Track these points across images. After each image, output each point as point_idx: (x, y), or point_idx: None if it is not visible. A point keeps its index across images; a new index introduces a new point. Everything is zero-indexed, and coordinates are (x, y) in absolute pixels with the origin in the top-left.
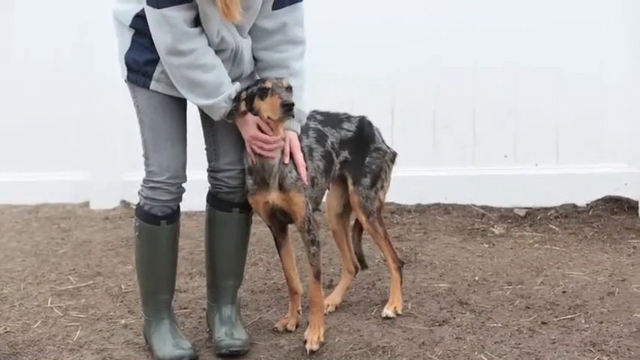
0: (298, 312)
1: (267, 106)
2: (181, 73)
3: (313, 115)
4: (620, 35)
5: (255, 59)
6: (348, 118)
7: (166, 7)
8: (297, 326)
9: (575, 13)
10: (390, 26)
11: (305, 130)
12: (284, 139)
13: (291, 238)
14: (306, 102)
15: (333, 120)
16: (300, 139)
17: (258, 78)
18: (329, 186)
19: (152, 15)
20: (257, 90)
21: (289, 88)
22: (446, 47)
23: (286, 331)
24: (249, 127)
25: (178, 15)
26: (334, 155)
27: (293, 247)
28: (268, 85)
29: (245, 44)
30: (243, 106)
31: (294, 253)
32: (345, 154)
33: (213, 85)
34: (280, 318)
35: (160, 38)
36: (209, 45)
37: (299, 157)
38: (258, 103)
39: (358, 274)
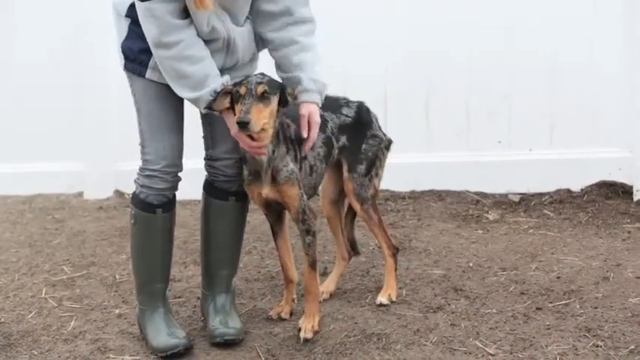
0: (293, 300)
1: (237, 112)
2: (169, 65)
3: None
4: (614, 21)
5: (266, 41)
6: (347, 103)
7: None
8: (291, 314)
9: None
10: (385, 14)
11: None
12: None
13: (288, 226)
14: (320, 73)
15: (333, 105)
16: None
17: (256, 72)
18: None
19: (139, 8)
20: (235, 92)
21: (263, 96)
22: (440, 34)
23: (280, 319)
24: (230, 125)
25: (163, 7)
26: (334, 140)
27: (289, 236)
28: (242, 90)
29: (239, 33)
30: (226, 103)
31: (290, 241)
32: (343, 139)
33: (199, 78)
34: (275, 306)
35: (147, 30)
36: (199, 35)
37: (313, 133)
38: (234, 105)
39: (352, 261)
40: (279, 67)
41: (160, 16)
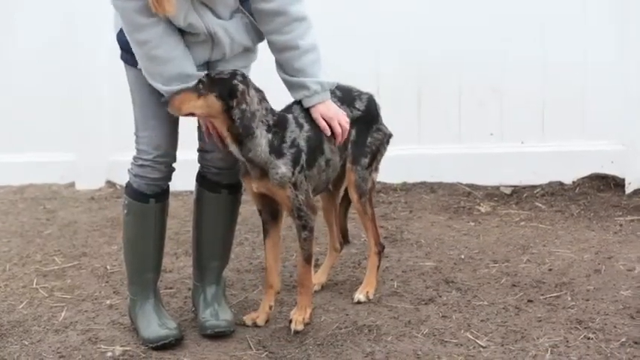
0: (270, 308)
1: None
2: (140, 61)
3: (334, 92)
4: (605, 13)
5: (268, 42)
6: (359, 95)
7: None
8: (267, 321)
9: None
10: (379, 5)
11: None
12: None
13: (281, 229)
14: (323, 72)
15: (348, 97)
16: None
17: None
18: None
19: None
20: None
21: (197, 86)
22: (433, 26)
23: (255, 326)
24: None
25: (128, 5)
26: (350, 136)
27: (281, 239)
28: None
29: (222, 27)
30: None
31: (280, 245)
32: (353, 132)
33: (168, 77)
34: (250, 312)
35: (123, 27)
36: (174, 29)
37: (337, 126)
38: None
39: (343, 253)
40: (281, 68)
41: (125, 15)
